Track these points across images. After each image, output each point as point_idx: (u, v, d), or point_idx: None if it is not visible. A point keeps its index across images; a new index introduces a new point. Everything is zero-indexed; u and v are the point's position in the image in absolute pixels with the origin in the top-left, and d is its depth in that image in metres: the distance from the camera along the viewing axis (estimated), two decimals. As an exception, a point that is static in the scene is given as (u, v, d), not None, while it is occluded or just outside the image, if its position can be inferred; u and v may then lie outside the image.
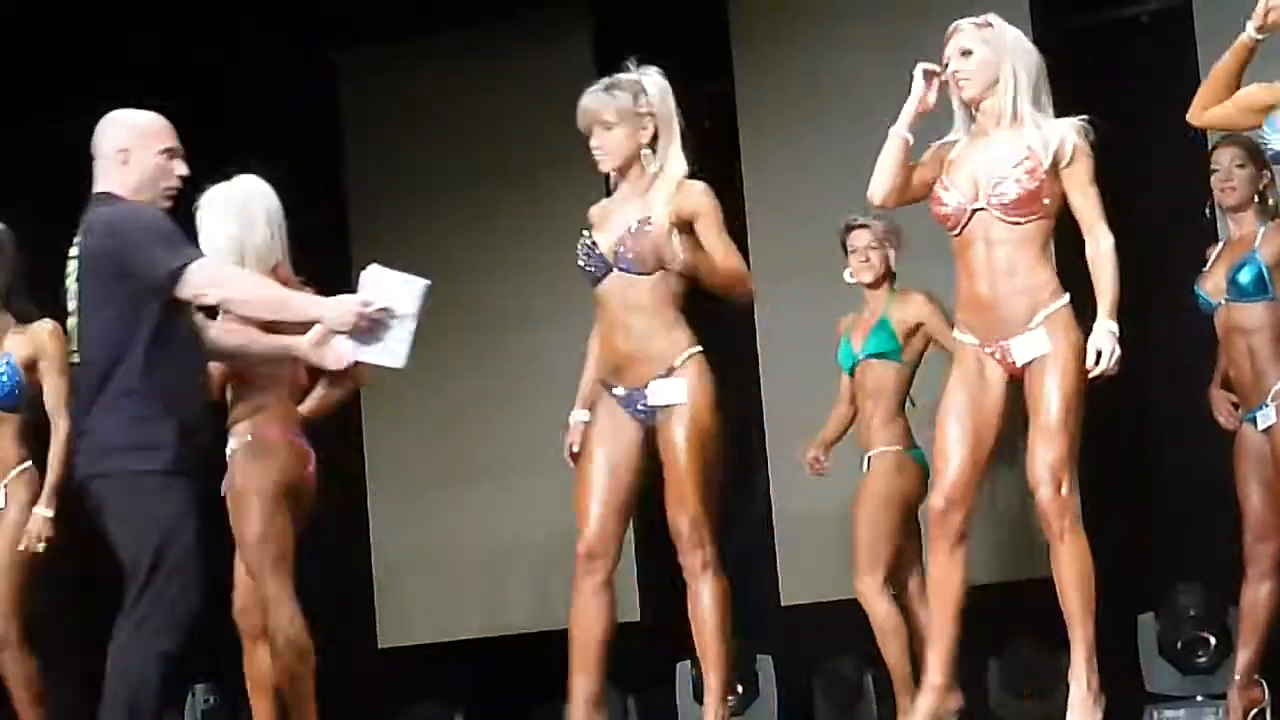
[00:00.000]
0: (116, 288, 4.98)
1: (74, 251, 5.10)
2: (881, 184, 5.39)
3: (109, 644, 4.89)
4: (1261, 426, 6.02)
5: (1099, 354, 5.16)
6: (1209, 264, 6.33)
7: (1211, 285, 6.24)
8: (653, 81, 5.55)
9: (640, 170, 5.56)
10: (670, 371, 5.49)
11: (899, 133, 5.36)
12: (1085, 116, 5.35)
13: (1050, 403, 5.20)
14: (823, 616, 7.89)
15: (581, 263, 5.59)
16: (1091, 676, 5.19)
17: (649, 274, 5.49)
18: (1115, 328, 5.18)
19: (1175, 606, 7.24)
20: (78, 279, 5.08)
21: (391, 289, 5.07)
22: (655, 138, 5.54)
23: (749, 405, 8.42)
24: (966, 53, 5.37)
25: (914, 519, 6.82)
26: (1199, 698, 7.11)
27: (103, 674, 4.87)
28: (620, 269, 5.52)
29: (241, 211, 5.71)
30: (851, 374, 6.99)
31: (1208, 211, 6.32)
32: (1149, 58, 7.97)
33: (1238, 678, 6.19)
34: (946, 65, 5.38)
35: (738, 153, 8.59)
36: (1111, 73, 7.99)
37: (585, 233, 5.61)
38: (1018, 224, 5.28)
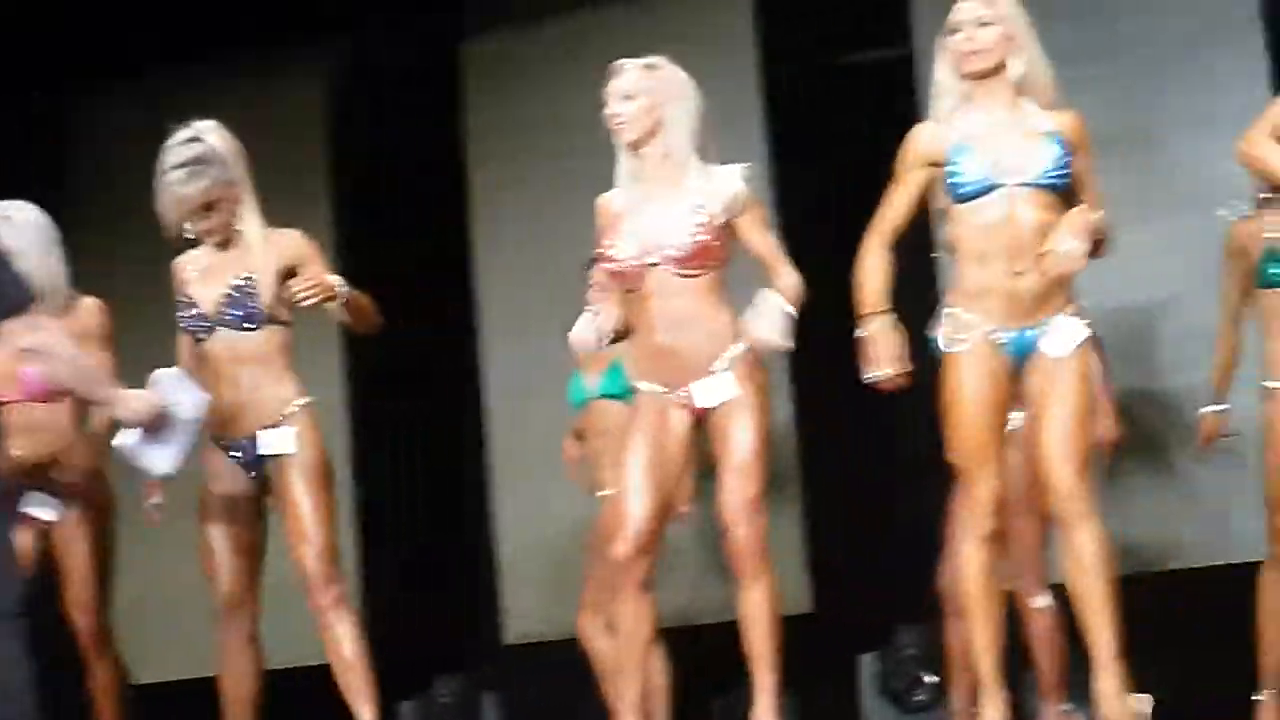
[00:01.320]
0: None
1: None
2: None
3: None
4: None
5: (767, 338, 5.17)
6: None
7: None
8: (220, 138, 5.52)
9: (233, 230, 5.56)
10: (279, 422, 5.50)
11: None
12: (749, 164, 5.30)
13: (742, 443, 5.19)
14: (548, 653, 7.87)
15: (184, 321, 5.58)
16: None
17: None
18: (790, 310, 5.18)
19: (894, 646, 7.32)
20: None
21: (180, 395, 5.07)
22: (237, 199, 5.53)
23: (474, 444, 8.38)
24: (628, 97, 5.29)
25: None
26: (916, 736, 7.20)
27: None
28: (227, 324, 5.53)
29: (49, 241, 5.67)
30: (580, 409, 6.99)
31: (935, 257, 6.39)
32: (872, 104, 8.10)
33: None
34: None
35: (466, 201, 8.58)
36: (836, 117, 8.10)
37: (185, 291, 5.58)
38: (694, 276, 5.22)
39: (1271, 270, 5.90)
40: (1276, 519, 5.95)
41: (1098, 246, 4.90)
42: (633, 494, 5.27)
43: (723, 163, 5.30)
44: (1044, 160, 4.89)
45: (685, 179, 5.26)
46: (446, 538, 8.45)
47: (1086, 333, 4.92)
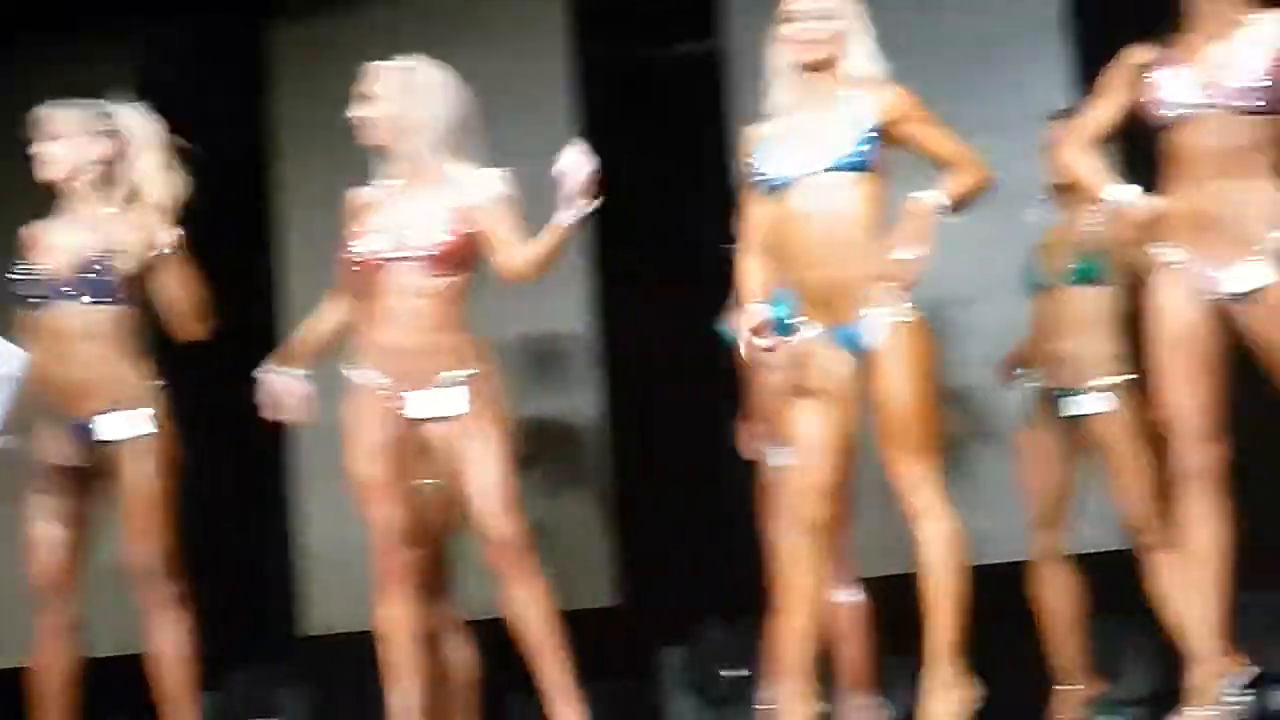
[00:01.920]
0: None
1: None
2: None
3: None
4: None
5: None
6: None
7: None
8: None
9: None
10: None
11: None
12: (506, 169, 5.30)
13: (487, 470, 5.19)
14: (347, 646, 7.80)
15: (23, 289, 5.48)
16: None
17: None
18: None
19: (700, 639, 7.34)
20: None
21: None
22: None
23: (274, 435, 8.28)
24: (375, 98, 5.28)
25: (442, 550, 6.79)
26: (719, 729, 7.24)
27: None
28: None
29: None
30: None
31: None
32: (683, 98, 8.12)
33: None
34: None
35: (271, 188, 8.47)
36: (646, 111, 8.11)
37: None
38: (438, 278, 5.22)
39: (1083, 269, 6.04)
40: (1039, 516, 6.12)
41: (963, 201, 4.88)
42: (379, 497, 5.27)
43: (532, 153, 5.29)
44: (844, 144, 4.86)
45: (440, 180, 5.26)
46: (246, 528, 8.34)
47: (907, 317, 4.85)
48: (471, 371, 5.22)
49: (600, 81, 8.07)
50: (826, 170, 4.86)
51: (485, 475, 5.20)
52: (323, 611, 8.18)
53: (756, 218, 5.01)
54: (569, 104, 7.93)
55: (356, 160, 8.02)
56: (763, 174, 4.95)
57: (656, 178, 7.83)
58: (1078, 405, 6.09)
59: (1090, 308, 6.12)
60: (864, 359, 4.88)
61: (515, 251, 5.23)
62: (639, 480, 7.84)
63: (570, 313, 7.87)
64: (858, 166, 4.86)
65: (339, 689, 7.85)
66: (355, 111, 5.26)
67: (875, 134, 4.86)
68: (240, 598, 8.17)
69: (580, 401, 8.02)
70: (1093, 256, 6.08)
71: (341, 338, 5.46)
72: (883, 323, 4.83)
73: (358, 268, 5.27)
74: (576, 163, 5.05)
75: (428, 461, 5.34)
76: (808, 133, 4.92)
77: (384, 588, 5.29)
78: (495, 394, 5.24)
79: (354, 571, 7.61)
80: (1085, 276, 6.11)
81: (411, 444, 5.28)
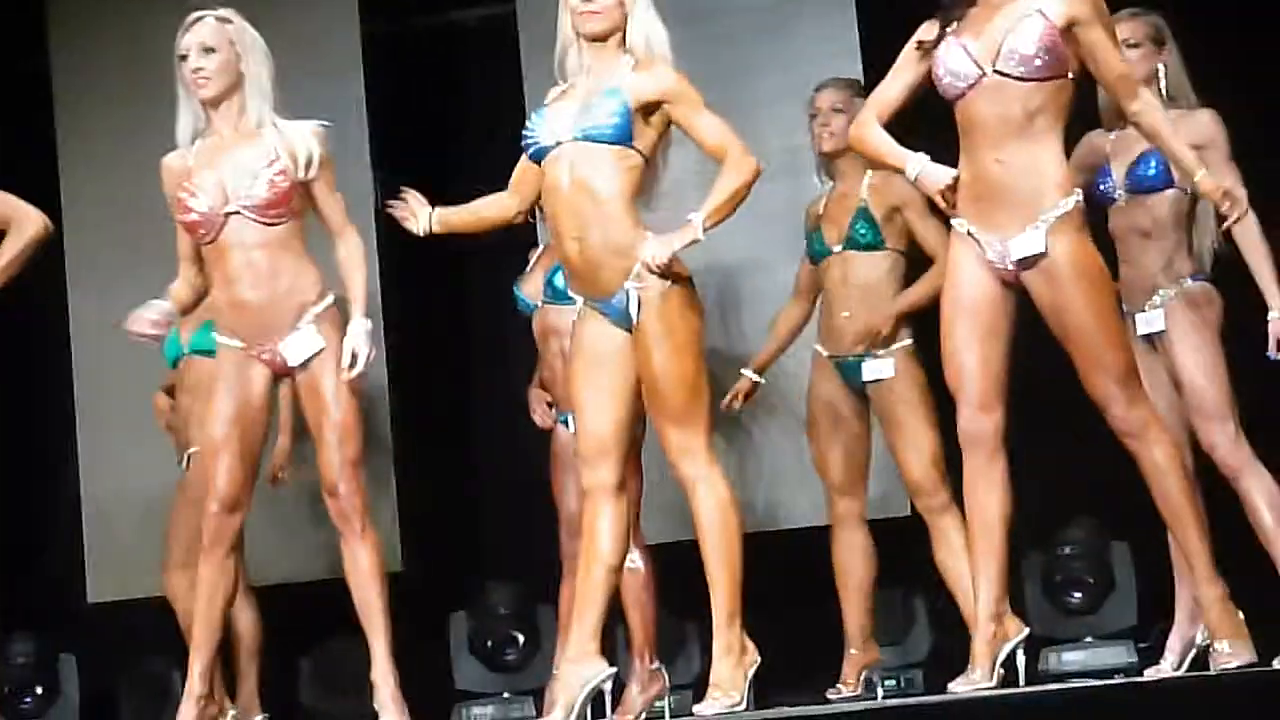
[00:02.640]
0: None
1: None
2: None
3: None
4: None
5: (354, 355, 5.19)
6: (530, 267, 6.47)
7: (531, 288, 6.37)
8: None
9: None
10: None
11: None
12: (325, 122, 5.33)
13: (338, 401, 5.22)
14: (130, 614, 7.71)
15: None
16: (394, 674, 5.25)
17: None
18: (369, 325, 5.23)
19: (485, 604, 7.35)
20: None
21: None
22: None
23: (60, 398, 8.15)
24: (209, 50, 5.24)
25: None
26: (506, 694, 7.24)
27: None
28: None
29: None
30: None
31: (533, 219, 6.39)
32: (475, 63, 8.09)
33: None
34: (187, 56, 5.24)
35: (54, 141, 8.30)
36: (440, 76, 8.08)
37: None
38: (273, 225, 5.20)
39: (860, 235, 6.13)
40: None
41: (734, 206, 4.93)
42: (221, 451, 5.26)
43: (320, 119, 5.31)
44: (599, 117, 4.89)
45: (261, 132, 5.25)
46: (29, 495, 8.19)
47: (664, 289, 4.87)
48: (322, 308, 5.24)
49: (390, 46, 8.01)
50: (577, 140, 4.91)
51: (334, 429, 5.22)
52: (105, 579, 8.05)
53: (515, 176, 5.12)
54: (361, 70, 7.84)
55: (129, 123, 7.94)
56: (528, 138, 5.00)
57: (449, 143, 7.81)
58: (863, 371, 6.16)
59: (869, 274, 6.19)
60: (632, 330, 4.92)
61: (349, 241, 5.33)
62: (422, 446, 7.82)
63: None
64: (610, 139, 4.90)
65: (121, 656, 7.78)
66: (192, 64, 5.19)
67: (628, 109, 4.90)
68: (22, 564, 8.04)
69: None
70: (869, 223, 6.16)
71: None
72: (642, 296, 4.88)
73: (196, 228, 5.26)
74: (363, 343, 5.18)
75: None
76: (576, 102, 4.96)
77: (206, 549, 5.29)
78: (341, 329, 5.24)
79: (138, 537, 7.57)
80: (862, 243, 6.18)
81: (263, 404, 5.31)
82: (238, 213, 5.21)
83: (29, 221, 5.38)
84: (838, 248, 6.22)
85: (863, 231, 6.18)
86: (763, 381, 6.45)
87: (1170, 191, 5.42)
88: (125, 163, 7.73)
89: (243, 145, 5.25)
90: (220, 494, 5.27)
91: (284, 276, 5.23)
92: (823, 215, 6.31)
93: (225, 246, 5.24)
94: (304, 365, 5.24)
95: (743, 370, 6.47)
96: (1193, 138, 5.15)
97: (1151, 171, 5.43)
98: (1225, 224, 4.96)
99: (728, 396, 6.39)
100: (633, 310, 4.88)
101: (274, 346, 5.25)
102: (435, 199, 5.21)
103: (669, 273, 4.86)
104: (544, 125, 4.98)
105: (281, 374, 5.32)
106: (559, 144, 4.94)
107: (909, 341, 6.14)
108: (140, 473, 7.48)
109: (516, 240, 6.52)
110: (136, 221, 7.29)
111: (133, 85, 7.90)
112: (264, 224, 5.22)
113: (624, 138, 4.90)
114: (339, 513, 5.26)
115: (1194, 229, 5.49)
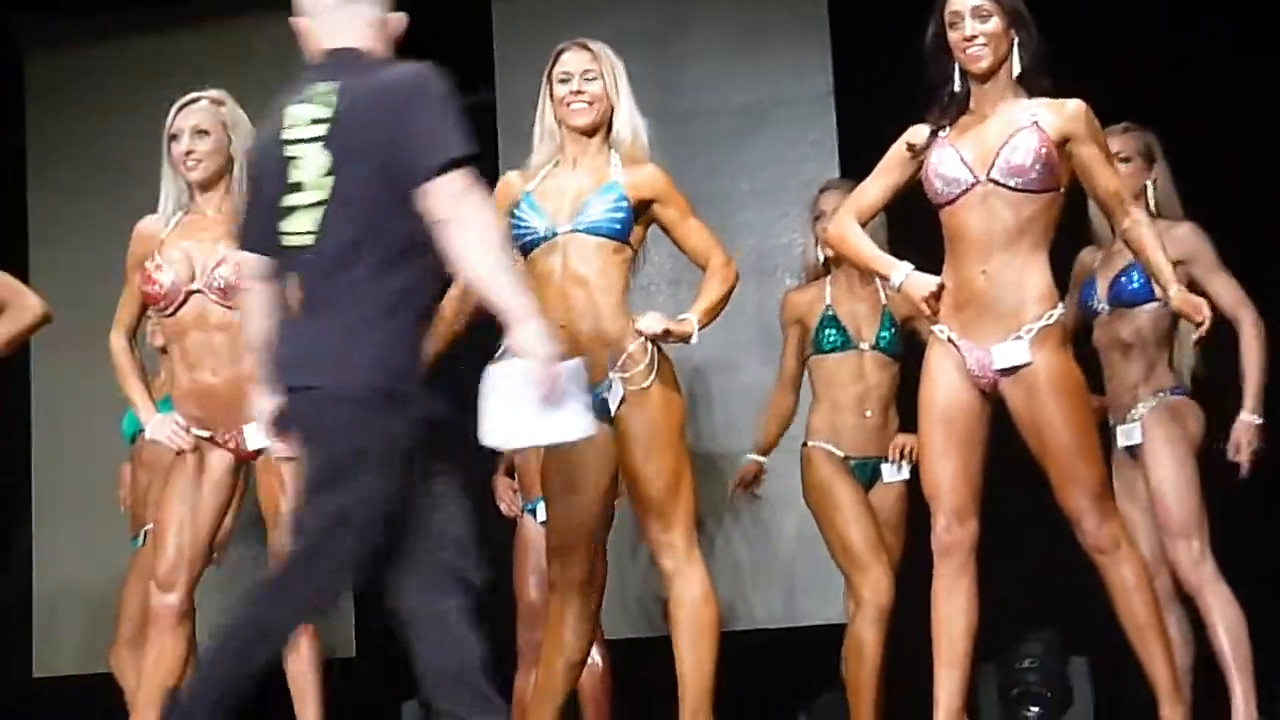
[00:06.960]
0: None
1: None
2: None
3: None
4: None
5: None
6: (499, 354, 6.41)
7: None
8: None
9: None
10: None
11: None
12: None
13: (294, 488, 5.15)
14: (75, 689, 7.64)
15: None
16: None
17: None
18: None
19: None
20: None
21: None
22: None
23: (16, 469, 8.10)
24: (202, 132, 5.25)
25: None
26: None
27: None
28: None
29: None
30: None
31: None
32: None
33: None
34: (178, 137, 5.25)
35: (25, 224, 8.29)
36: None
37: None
38: (235, 310, 5.11)
39: (827, 335, 6.04)
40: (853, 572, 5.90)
41: (717, 313, 4.96)
42: (170, 533, 5.24)
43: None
44: (600, 211, 4.90)
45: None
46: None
47: (648, 383, 4.87)
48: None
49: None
50: (576, 231, 4.90)
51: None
52: (53, 654, 7.96)
53: None
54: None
55: (102, 202, 7.91)
56: (520, 228, 4.97)
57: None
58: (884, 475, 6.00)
59: (887, 379, 6.01)
60: (612, 422, 4.89)
61: None
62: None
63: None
64: (611, 234, 4.91)
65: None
66: (184, 145, 5.19)
67: (629, 204, 4.91)
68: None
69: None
70: (892, 327, 6.02)
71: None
72: (626, 389, 4.87)
73: (154, 298, 5.24)
74: None
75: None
76: (567, 193, 4.95)
77: (150, 629, 5.27)
78: None
79: (87, 613, 7.50)
80: (885, 346, 6.01)
81: (223, 489, 5.29)
82: (200, 292, 5.21)
83: (28, 309, 5.31)
84: (864, 345, 5.99)
85: (885, 336, 6.02)
86: (766, 461, 6.18)
87: (1152, 305, 5.44)
88: (97, 242, 7.73)
89: (220, 228, 5.23)
90: (169, 573, 5.22)
91: (246, 360, 5.15)
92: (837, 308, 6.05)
93: (185, 324, 5.24)
94: (264, 450, 5.19)
95: (749, 455, 6.19)
96: (1175, 252, 5.14)
97: (1134, 285, 5.45)
98: (1195, 336, 4.95)
99: (732, 483, 6.23)
100: (613, 403, 4.85)
101: (237, 434, 5.21)
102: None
103: (659, 345, 4.86)
104: (535, 216, 4.96)
105: (243, 459, 5.27)
106: (553, 236, 4.92)
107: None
108: (94, 549, 7.41)
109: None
110: (106, 295, 7.24)
111: (104, 159, 7.91)
112: (226, 307, 5.20)
113: (625, 232, 4.92)
114: None
115: (1175, 343, 5.49)
